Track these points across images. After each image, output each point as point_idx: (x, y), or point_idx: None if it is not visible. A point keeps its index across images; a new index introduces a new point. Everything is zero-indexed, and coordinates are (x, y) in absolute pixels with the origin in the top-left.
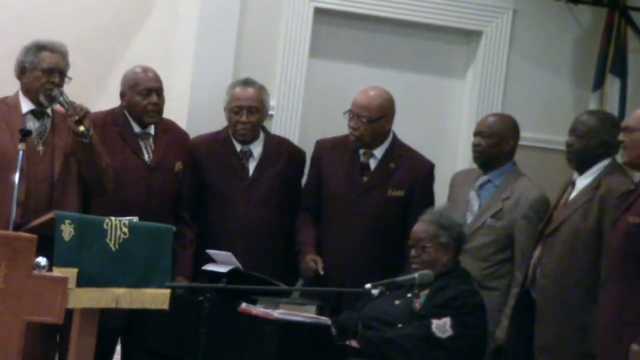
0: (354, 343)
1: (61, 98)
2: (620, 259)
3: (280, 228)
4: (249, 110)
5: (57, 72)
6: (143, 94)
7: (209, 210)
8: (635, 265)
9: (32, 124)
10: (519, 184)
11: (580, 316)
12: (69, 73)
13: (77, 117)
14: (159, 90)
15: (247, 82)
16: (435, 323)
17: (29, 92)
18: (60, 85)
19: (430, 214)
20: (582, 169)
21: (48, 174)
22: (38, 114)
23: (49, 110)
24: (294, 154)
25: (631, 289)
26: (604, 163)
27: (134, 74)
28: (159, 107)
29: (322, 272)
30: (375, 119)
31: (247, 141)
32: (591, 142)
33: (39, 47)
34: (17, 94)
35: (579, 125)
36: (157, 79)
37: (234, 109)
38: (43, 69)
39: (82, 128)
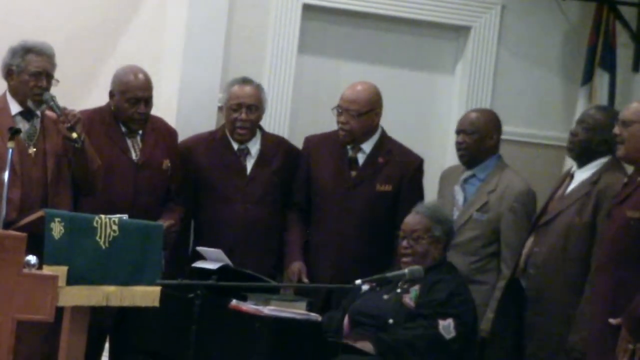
0: (367, 345)
1: (52, 103)
2: (614, 250)
3: (276, 226)
4: (248, 108)
5: (45, 75)
6: (131, 102)
7: (207, 209)
8: (630, 258)
9: (21, 126)
10: (504, 177)
11: (566, 309)
12: (55, 74)
13: (69, 124)
14: (147, 99)
15: (245, 81)
16: (442, 324)
17: (17, 94)
18: (47, 87)
19: (425, 207)
20: (580, 162)
21: (41, 175)
22: (27, 115)
23: (37, 112)
24: (290, 152)
25: (623, 281)
26: (605, 159)
27: (126, 78)
28: (145, 115)
29: (306, 280)
30: (364, 112)
31: (244, 140)
32: (595, 137)
33: (25, 50)
34: (5, 95)
35: (587, 117)
36: (147, 86)
37: (232, 107)
38: (30, 73)
39: (74, 135)
